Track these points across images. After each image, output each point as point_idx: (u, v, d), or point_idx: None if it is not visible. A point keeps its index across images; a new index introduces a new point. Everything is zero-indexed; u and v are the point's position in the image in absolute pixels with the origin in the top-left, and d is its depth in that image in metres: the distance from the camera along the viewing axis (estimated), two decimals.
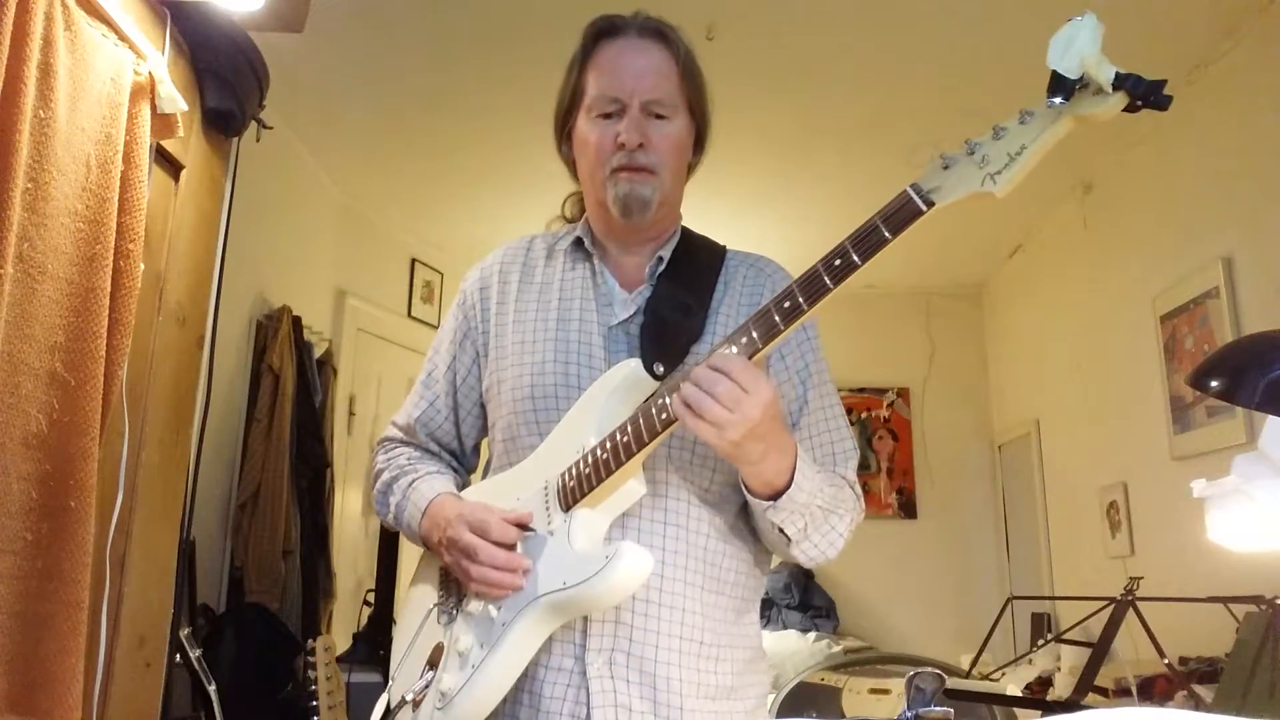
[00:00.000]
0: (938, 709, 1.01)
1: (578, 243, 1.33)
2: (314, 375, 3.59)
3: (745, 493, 1.14)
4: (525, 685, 1.16)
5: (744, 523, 1.25)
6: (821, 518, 1.16)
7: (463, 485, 1.36)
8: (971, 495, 5.12)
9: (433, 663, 1.20)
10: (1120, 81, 0.83)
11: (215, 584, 3.12)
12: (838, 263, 0.97)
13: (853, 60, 3.08)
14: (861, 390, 5.28)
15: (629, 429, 1.09)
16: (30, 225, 1.29)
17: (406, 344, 4.54)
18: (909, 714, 1.01)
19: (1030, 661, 3.23)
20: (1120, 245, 3.59)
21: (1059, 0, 2.73)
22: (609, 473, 1.10)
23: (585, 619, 1.15)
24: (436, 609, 1.25)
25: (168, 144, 1.68)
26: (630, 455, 1.08)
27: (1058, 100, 0.85)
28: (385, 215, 4.38)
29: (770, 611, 4.71)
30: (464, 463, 1.41)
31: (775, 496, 1.11)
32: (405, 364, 4.55)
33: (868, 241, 0.96)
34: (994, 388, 5.18)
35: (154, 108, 1.57)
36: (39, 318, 1.32)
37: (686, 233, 1.36)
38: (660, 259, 1.29)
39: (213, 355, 1.98)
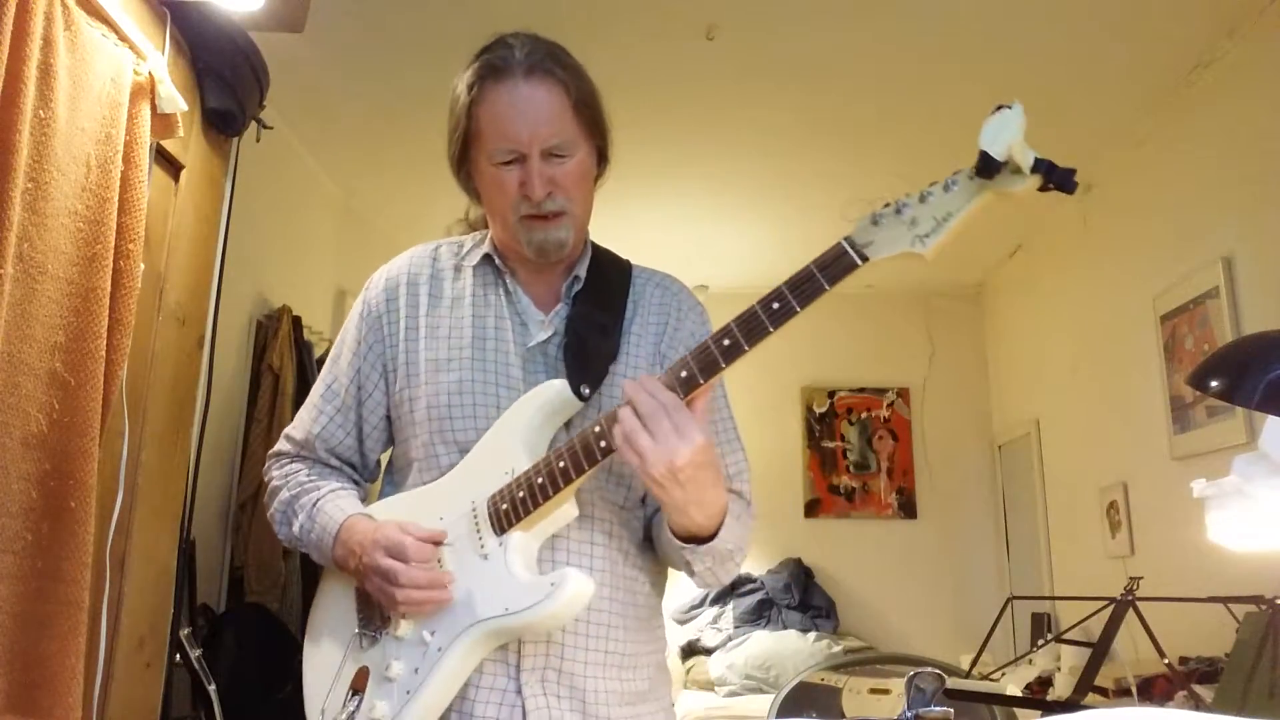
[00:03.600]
0: (938, 709, 1.01)
1: (487, 259, 1.31)
2: (314, 375, 3.58)
3: (664, 531, 1.16)
4: (456, 705, 1.15)
5: (647, 535, 1.28)
6: (729, 558, 1.19)
7: (364, 498, 1.33)
8: (971, 495, 5.12)
9: (357, 688, 1.18)
10: (1037, 166, 0.93)
11: (215, 584, 3.12)
12: (775, 306, 1.01)
13: (853, 60, 3.08)
14: (861, 390, 5.28)
15: (566, 455, 1.10)
16: (30, 225, 1.29)
17: None
18: (909, 714, 1.01)
19: (1030, 661, 3.23)
20: (1120, 245, 3.59)
21: (1057, 2, 2.73)
22: (546, 498, 1.11)
23: (519, 640, 1.16)
24: (359, 634, 1.22)
25: (168, 144, 1.68)
26: (569, 481, 1.10)
27: (982, 178, 0.95)
28: (385, 215, 4.38)
29: (770, 611, 4.71)
30: (364, 475, 1.37)
31: (696, 542, 1.14)
32: None
33: (805, 289, 1.00)
34: (994, 388, 5.18)
35: (154, 108, 1.57)
36: (39, 318, 1.32)
37: (595, 249, 1.35)
38: (577, 278, 1.29)
39: (213, 355, 1.98)
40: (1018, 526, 4.82)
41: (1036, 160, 0.93)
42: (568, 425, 1.19)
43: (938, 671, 1.02)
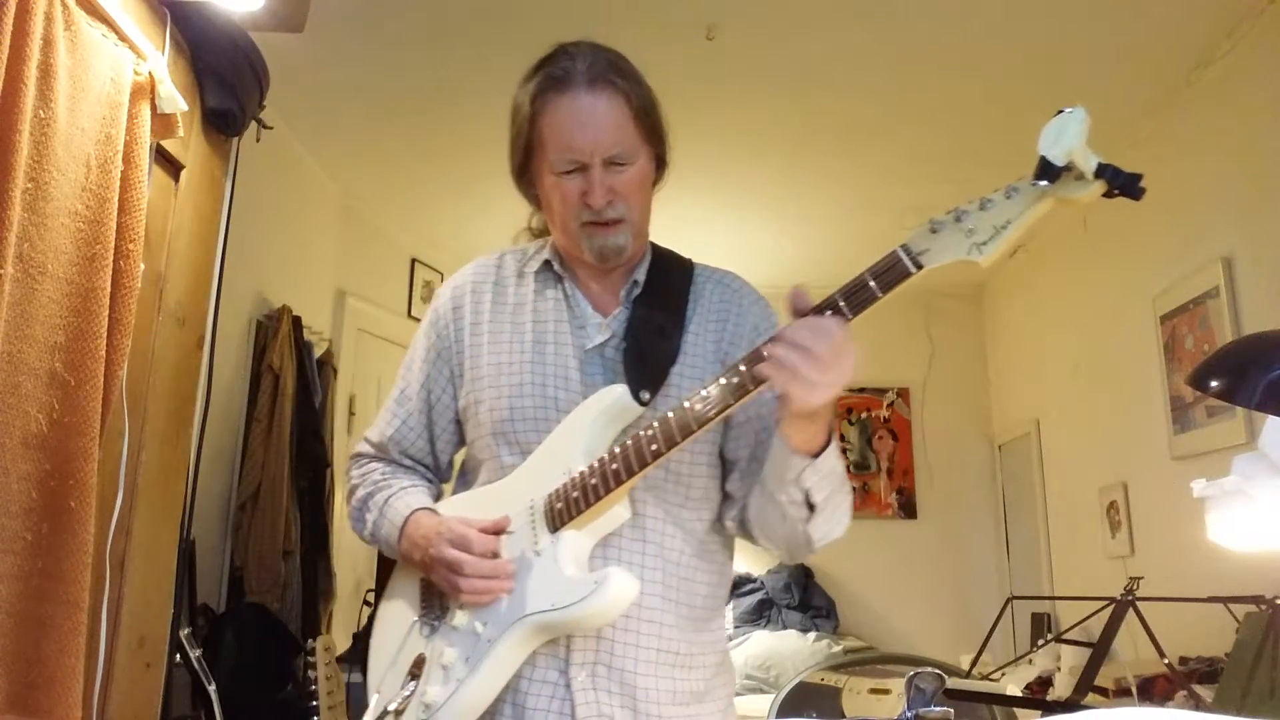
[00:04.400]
0: (938, 709, 1.01)
1: (547, 264, 1.34)
2: (314, 375, 3.58)
3: (781, 455, 1.14)
4: (508, 697, 1.19)
5: (712, 536, 1.30)
6: (839, 489, 1.19)
7: (437, 496, 1.38)
8: (971, 495, 5.12)
9: (414, 674, 1.22)
10: (1101, 171, 0.91)
11: (215, 584, 3.12)
12: (828, 315, 1.03)
13: (853, 60, 3.08)
14: (861, 390, 5.28)
15: (619, 457, 1.13)
16: (30, 225, 1.29)
17: (406, 344, 4.49)
18: (909, 714, 1.01)
19: (1030, 661, 3.23)
20: (1120, 245, 3.59)
21: (1057, 2, 2.73)
22: (598, 498, 1.14)
23: (569, 635, 1.18)
24: (419, 621, 1.27)
25: (168, 144, 1.68)
26: (620, 483, 1.13)
27: (1043, 183, 0.93)
28: (385, 215, 4.38)
29: (770, 611, 4.71)
30: (438, 475, 1.42)
31: (814, 455, 1.13)
32: None
33: (859, 297, 1.02)
34: (994, 388, 5.18)
35: (154, 108, 1.57)
36: (39, 318, 1.32)
37: (656, 251, 1.37)
38: (635, 282, 1.31)
39: (213, 355, 1.98)
40: (1018, 526, 4.82)
41: (1100, 165, 0.92)
42: (626, 429, 1.21)
43: (938, 671, 1.02)
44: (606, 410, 1.19)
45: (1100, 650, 1.99)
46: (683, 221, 4.43)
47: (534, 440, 1.24)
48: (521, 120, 1.26)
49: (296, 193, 3.79)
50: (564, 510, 1.16)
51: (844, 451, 5.22)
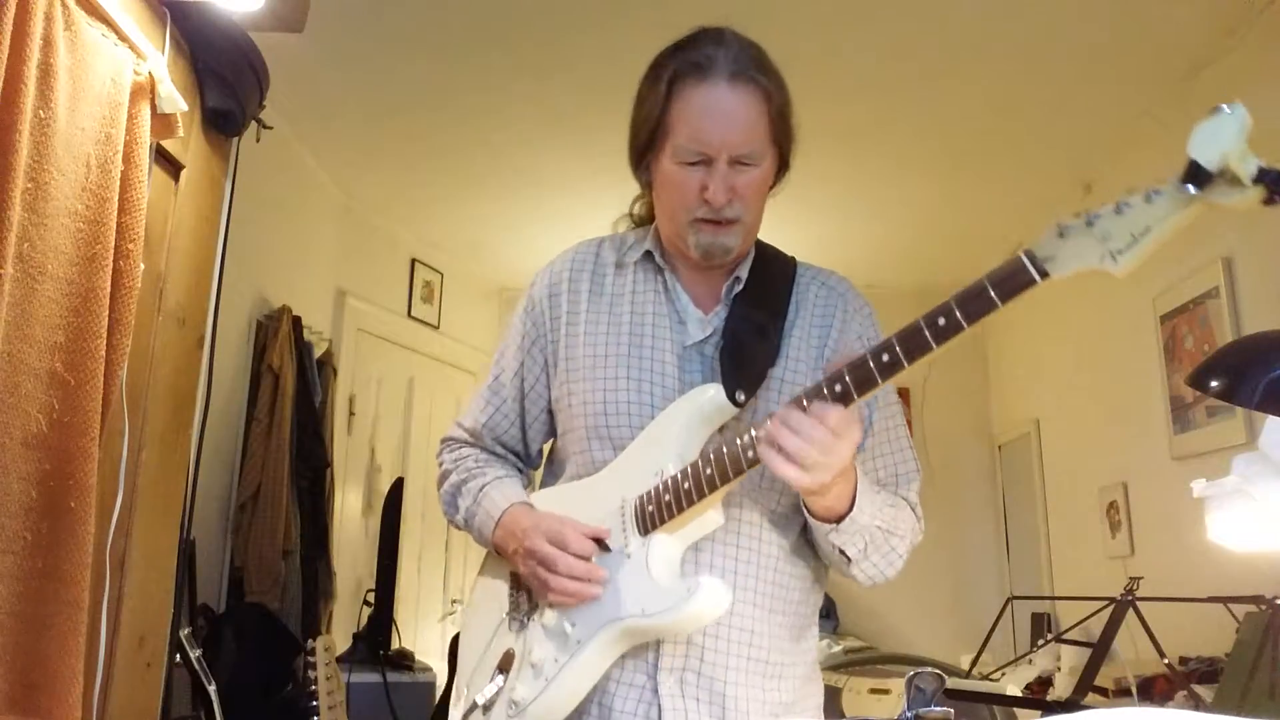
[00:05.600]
0: (938, 709, 1.01)
1: (649, 255, 1.30)
2: (314, 375, 3.58)
3: (808, 516, 1.16)
4: (596, 697, 1.18)
5: (806, 542, 1.27)
6: (882, 539, 1.18)
7: (526, 485, 1.37)
8: (971, 495, 5.12)
9: (503, 668, 1.22)
10: (1262, 176, 0.83)
11: (215, 584, 3.12)
12: (941, 322, 0.97)
13: (852, 61, 3.08)
14: None
15: (713, 462, 1.10)
16: (30, 225, 1.29)
17: (406, 344, 4.54)
18: (909, 714, 1.01)
19: (1030, 661, 3.22)
20: None
21: (1057, 2, 2.73)
22: (690, 503, 1.11)
23: (658, 640, 1.17)
24: (508, 616, 1.27)
25: (168, 144, 1.68)
26: (714, 489, 1.10)
27: (1191, 189, 0.84)
28: (385, 215, 4.38)
29: None
30: (528, 464, 1.41)
31: (837, 520, 1.13)
32: (405, 364, 4.55)
33: (975, 305, 0.94)
34: (994, 388, 5.18)
35: (154, 108, 1.57)
36: (39, 318, 1.32)
37: (760, 247, 1.33)
38: (738, 279, 1.28)
39: (213, 355, 1.98)
40: (1018, 526, 4.82)
41: (1261, 170, 0.84)
42: (722, 429, 1.19)
43: (938, 671, 1.02)
44: (700, 409, 1.17)
45: (1100, 650, 1.99)
46: None
47: (627, 436, 1.21)
48: (654, 102, 1.20)
49: (296, 193, 3.79)
50: (655, 514, 1.14)
51: None
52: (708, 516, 1.15)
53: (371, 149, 3.79)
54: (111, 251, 1.44)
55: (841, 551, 1.17)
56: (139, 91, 1.53)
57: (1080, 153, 3.54)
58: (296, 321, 3.48)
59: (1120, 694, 2.41)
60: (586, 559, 1.16)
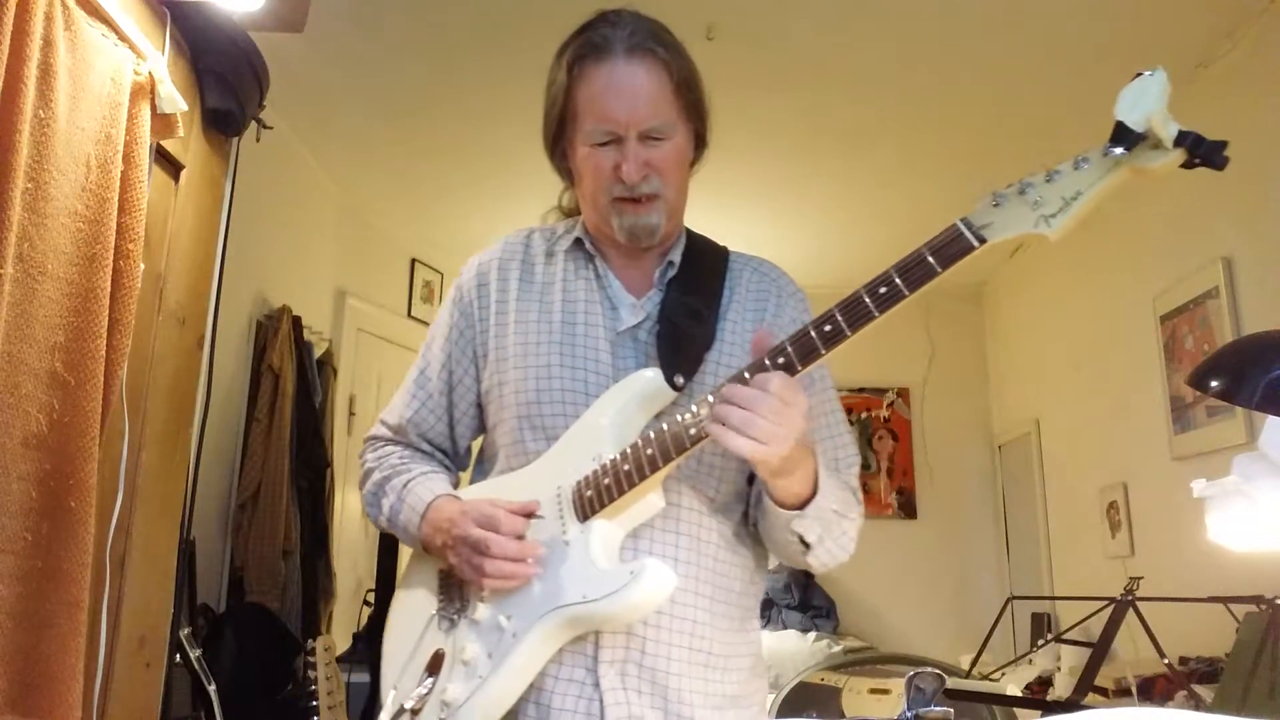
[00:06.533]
0: (938, 709, 1.01)
1: (578, 243, 1.29)
2: (314, 375, 3.59)
3: (770, 505, 1.13)
4: (532, 696, 1.13)
5: (745, 531, 1.25)
6: (836, 522, 1.16)
7: (455, 484, 1.33)
8: (971, 495, 5.12)
9: (432, 670, 1.17)
10: (1181, 139, 0.85)
11: (215, 584, 3.12)
12: (882, 290, 0.97)
13: (853, 60, 3.08)
14: (861, 390, 5.28)
15: (654, 443, 1.07)
16: (30, 225, 1.29)
17: (406, 344, 4.54)
18: (909, 714, 1.01)
19: (1030, 661, 3.23)
20: (1120, 245, 3.59)
21: (1057, 2, 2.73)
22: (631, 486, 1.09)
23: (597, 631, 1.13)
24: (437, 615, 1.22)
25: (168, 144, 1.68)
26: (655, 469, 1.08)
27: (1119, 150, 0.87)
28: (385, 215, 4.38)
29: (770, 611, 4.71)
30: (456, 462, 1.37)
31: (801, 505, 1.11)
32: (405, 364, 4.50)
33: (915, 272, 0.96)
34: (994, 388, 5.18)
35: (154, 108, 1.57)
36: (39, 318, 1.32)
37: (691, 235, 1.33)
38: (671, 264, 1.26)
39: (213, 355, 1.98)
40: (1018, 526, 4.82)
41: (1181, 132, 0.85)
42: (659, 415, 1.16)
43: (938, 671, 1.02)
44: (638, 394, 1.14)
45: (1100, 650, 1.99)
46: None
47: (560, 425, 1.18)
48: (557, 89, 1.20)
49: (296, 193, 3.79)
50: (594, 498, 1.11)
51: None
52: (649, 500, 1.12)
53: (371, 149, 3.79)
54: (111, 251, 1.44)
55: (801, 539, 1.14)
56: (139, 91, 1.53)
57: (1080, 152, 3.54)
58: (296, 321, 3.48)
59: (1120, 694, 2.41)
60: (520, 537, 1.13)
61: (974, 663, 2.62)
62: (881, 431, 5.25)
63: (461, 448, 1.36)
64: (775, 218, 4.42)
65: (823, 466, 1.13)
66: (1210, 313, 2.93)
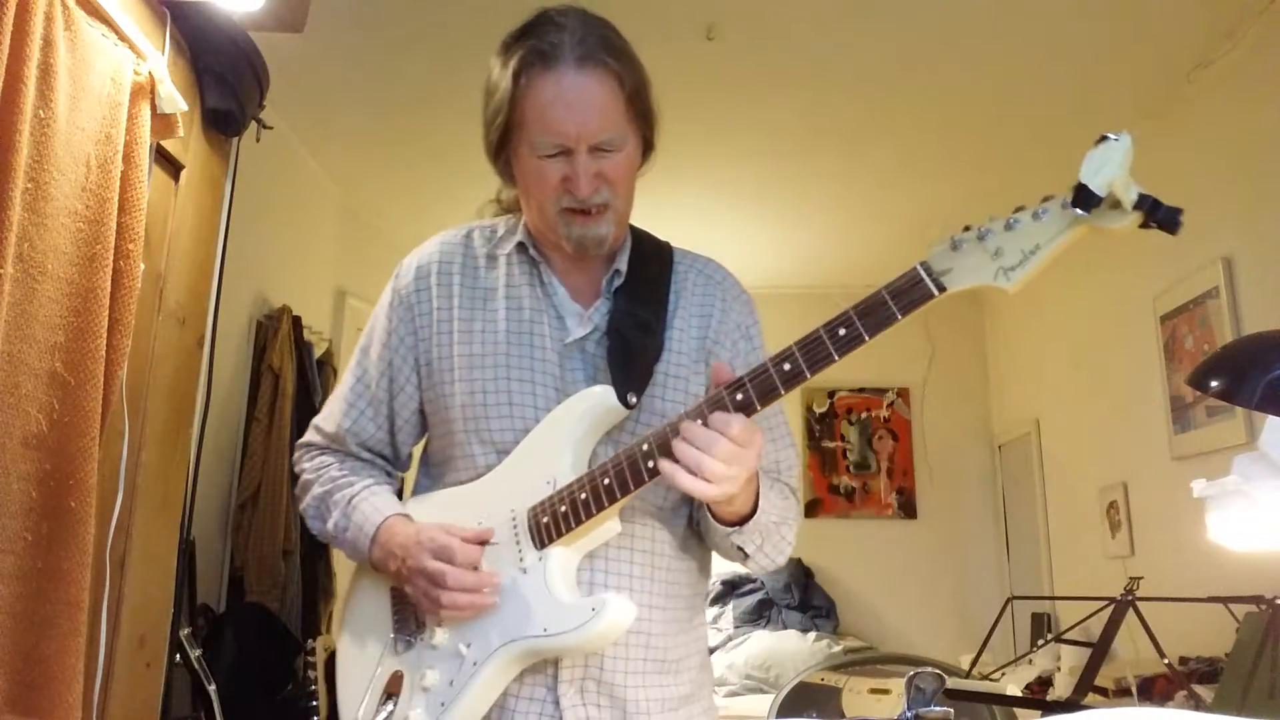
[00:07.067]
0: (938, 709, 1.01)
1: (521, 247, 1.25)
2: (314, 375, 3.58)
3: (710, 520, 1.14)
4: (493, 714, 1.13)
5: (691, 533, 1.25)
6: (775, 531, 1.17)
7: (398, 490, 1.30)
8: (971, 495, 5.12)
9: (391, 692, 1.16)
10: (1140, 203, 0.88)
11: (215, 584, 3.12)
12: (842, 333, 0.97)
13: (853, 60, 3.08)
14: (861, 390, 5.28)
15: (611, 474, 1.07)
16: (30, 225, 1.29)
17: None
18: (909, 714, 1.01)
19: (1030, 661, 3.23)
20: (1120, 245, 3.57)
21: (1057, 2, 2.73)
22: (589, 515, 1.08)
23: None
24: (394, 637, 1.21)
25: (168, 144, 1.68)
26: (613, 500, 1.07)
27: (1078, 211, 0.88)
28: (385, 215, 4.38)
29: (770, 611, 4.71)
30: (397, 466, 1.33)
31: (741, 522, 1.12)
32: None
33: (876, 317, 0.96)
34: (994, 388, 5.18)
35: (154, 108, 1.57)
36: (39, 318, 1.32)
37: (636, 236, 1.29)
38: (618, 272, 1.23)
39: (213, 355, 1.98)
40: (1018, 526, 4.82)
41: (1140, 196, 0.89)
42: (609, 432, 1.16)
43: (938, 671, 1.02)
44: (590, 412, 1.13)
45: (1100, 650, 1.99)
46: (681, 221, 4.43)
47: (510, 439, 1.16)
48: (501, 96, 1.15)
49: (296, 193, 3.79)
50: (551, 526, 1.10)
51: (844, 453, 5.22)
52: (606, 526, 1.12)
53: (371, 149, 3.79)
54: (111, 251, 1.44)
55: (739, 548, 1.15)
56: (139, 91, 1.53)
57: (1081, 152, 3.54)
58: (296, 321, 3.48)
59: (1120, 694, 2.41)
60: (475, 568, 1.11)
61: (974, 663, 2.62)
62: (881, 431, 5.25)
63: (403, 453, 1.32)
64: (775, 218, 4.42)
65: (766, 483, 1.14)
66: (1210, 313, 2.93)
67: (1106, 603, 2.12)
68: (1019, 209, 0.92)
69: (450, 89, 3.28)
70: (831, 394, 5.30)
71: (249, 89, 1.88)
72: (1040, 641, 3.48)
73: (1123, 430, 3.52)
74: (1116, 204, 0.88)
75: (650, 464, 1.04)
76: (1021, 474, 4.67)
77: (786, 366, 0.99)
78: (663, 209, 4.29)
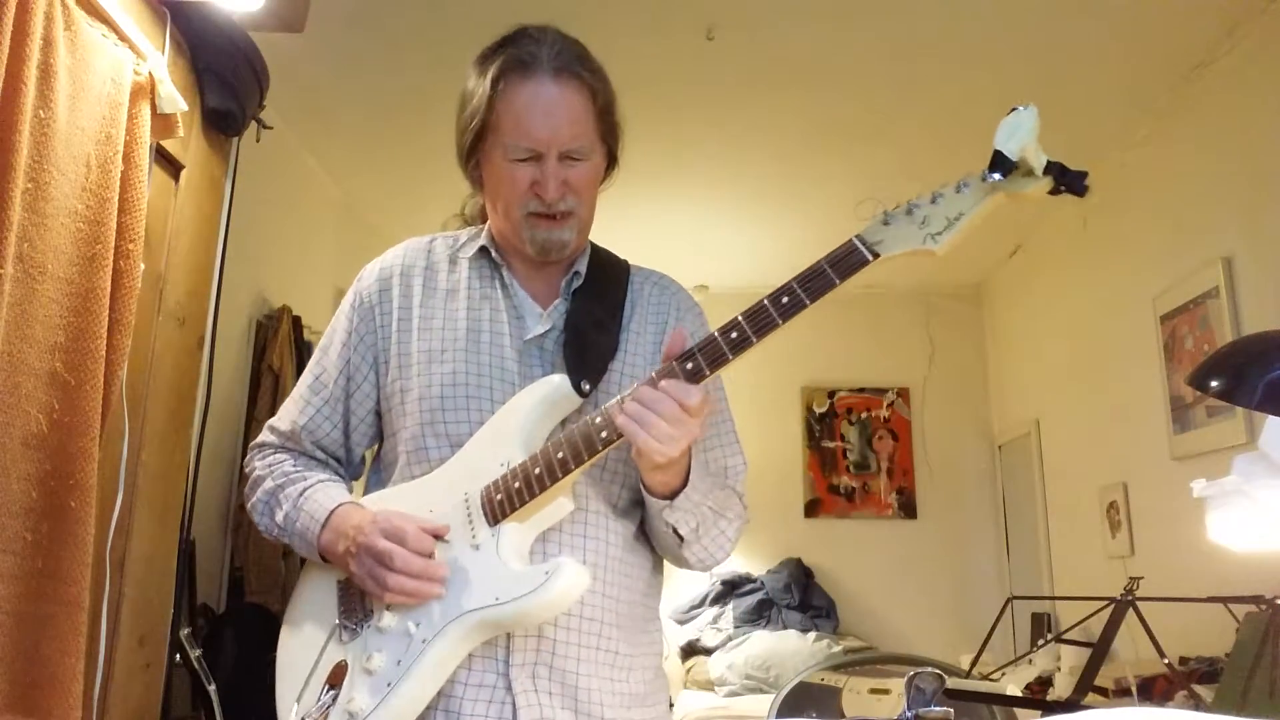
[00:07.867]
0: (938, 709, 1.01)
1: (483, 251, 1.30)
2: None
3: (644, 494, 1.17)
4: (440, 704, 1.12)
5: (642, 534, 1.27)
6: (712, 519, 1.20)
7: (350, 494, 1.30)
8: (971, 495, 5.12)
9: (334, 682, 1.14)
10: (1048, 168, 0.97)
11: (215, 584, 3.12)
12: (785, 300, 1.02)
13: (853, 60, 3.08)
14: (861, 390, 5.28)
15: (565, 446, 1.10)
16: (30, 225, 1.29)
17: None
18: (909, 714, 1.01)
19: (1030, 661, 3.23)
20: (1120, 245, 3.59)
21: (1058, 2, 2.73)
22: (543, 489, 1.10)
23: (508, 635, 1.14)
24: (339, 626, 1.20)
25: (168, 144, 1.68)
26: (567, 472, 1.09)
27: (996, 176, 0.97)
28: (385, 215, 4.38)
29: (770, 611, 4.71)
30: (350, 471, 1.34)
31: (671, 496, 1.14)
32: None
33: (815, 284, 1.02)
34: (994, 388, 5.18)
35: (154, 108, 1.57)
36: (39, 318, 1.32)
37: (595, 248, 1.34)
38: (577, 274, 1.28)
39: (213, 355, 1.98)
40: (1018, 526, 4.82)
41: (1048, 163, 0.96)
42: (563, 422, 1.18)
43: (938, 671, 1.02)
44: (545, 399, 1.15)
45: (1100, 650, 1.99)
46: (682, 221, 4.43)
47: (465, 432, 1.18)
48: (478, 100, 1.22)
49: (296, 193, 3.79)
50: (505, 502, 1.11)
51: (844, 453, 5.23)
52: (558, 503, 1.13)
53: (371, 149, 3.80)
54: (111, 251, 1.44)
55: (675, 531, 1.17)
56: (139, 91, 1.53)
57: (1080, 152, 3.54)
58: (296, 321, 3.48)
59: (1120, 694, 2.41)
60: (427, 555, 1.12)
61: (974, 663, 2.62)
62: (881, 431, 5.25)
63: (355, 457, 1.33)
64: (774, 218, 4.42)
65: (699, 464, 1.16)
66: (1210, 313, 2.93)
67: (1106, 603, 2.12)
68: (943, 185, 1.01)
69: (450, 89, 3.25)
70: (831, 394, 5.30)
71: (249, 89, 1.88)
72: (1040, 641, 3.48)
73: (1123, 430, 3.53)
74: (1030, 171, 0.97)
75: (604, 434, 1.08)
76: (1021, 474, 4.67)
77: (734, 334, 1.05)
78: (662, 209, 4.29)
